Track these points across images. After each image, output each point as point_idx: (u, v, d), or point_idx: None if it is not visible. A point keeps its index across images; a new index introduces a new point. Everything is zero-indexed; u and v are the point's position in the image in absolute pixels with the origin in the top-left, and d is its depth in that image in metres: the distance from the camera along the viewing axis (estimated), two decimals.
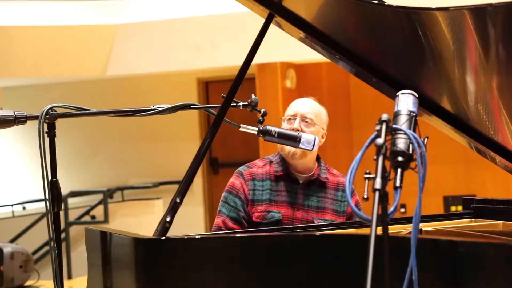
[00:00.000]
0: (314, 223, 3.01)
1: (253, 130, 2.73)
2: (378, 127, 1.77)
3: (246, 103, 2.67)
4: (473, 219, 2.96)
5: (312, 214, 3.06)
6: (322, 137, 3.12)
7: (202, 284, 2.27)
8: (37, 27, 8.03)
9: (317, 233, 2.50)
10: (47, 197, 2.45)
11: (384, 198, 1.69)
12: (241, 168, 3.14)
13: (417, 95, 1.97)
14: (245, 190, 3.07)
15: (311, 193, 3.09)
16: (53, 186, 2.46)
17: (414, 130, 1.87)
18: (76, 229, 8.23)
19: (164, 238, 2.30)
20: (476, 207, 2.97)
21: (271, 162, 3.13)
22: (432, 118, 2.68)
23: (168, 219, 2.33)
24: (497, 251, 1.94)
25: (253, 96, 2.67)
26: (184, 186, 2.42)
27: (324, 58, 2.86)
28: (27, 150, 9.81)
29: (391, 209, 1.73)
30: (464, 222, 2.93)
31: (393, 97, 2.01)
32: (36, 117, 2.46)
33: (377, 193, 1.69)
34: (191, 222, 8.64)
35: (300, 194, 3.08)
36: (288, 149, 3.04)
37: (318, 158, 3.15)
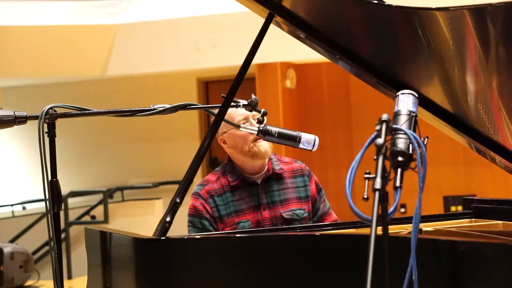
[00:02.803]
0: (283, 217, 3.01)
1: (253, 130, 2.73)
2: (378, 127, 1.77)
3: (246, 103, 2.66)
4: (473, 219, 2.96)
5: (278, 209, 3.04)
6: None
7: (202, 284, 2.27)
8: (37, 27, 8.04)
9: (317, 233, 2.50)
10: (47, 197, 2.45)
11: (384, 198, 1.69)
12: (196, 189, 3.08)
13: (417, 95, 1.97)
14: (207, 209, 3.02)
15: (271, 189, 3.08)
16: (53, 186, 2.46)
17: (414, 130, 1.87)
18: (76, 229, 8.24)
19: (164, 238, 2.30)
20: (476, 207, 2.97)
21: (224, 173, 3.10)
22: (432, 118, 2.68)
23: (168, 219, 2.33)
24: (497, 251, 1.94)
25: (253, 96, 2.67)
26: (184, 186, 2.41)
27: (324, 58, 2.85)
28: (27, 150, 9.81)
29: (391, 209, 1.72)
30: (464, 222, 2.93)
31: (393, 97, 2.01)
32: (36, 117, 2.46)
33: (377, 193, 1.69)
34: None
35: (262, 194, 3.06)
36: (264, 149, 3.01)
37: None
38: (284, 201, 3.08)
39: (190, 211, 3.05)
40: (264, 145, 3.02)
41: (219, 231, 3.00)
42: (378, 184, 1.69)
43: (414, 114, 1.91)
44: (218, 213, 3.02)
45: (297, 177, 3.13)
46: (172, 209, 2.36)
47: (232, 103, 2.60)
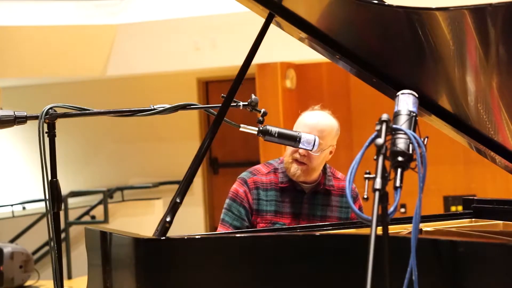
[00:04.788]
0: None
1: (253, 130, 2.72)
2: (378, 127, 1.77)
3: (246, 103, 2.66)
4: (473, 219, 2.96)
5: (316, 224, 3.04)
6: (330, 152, 3.07)
7: (202, 284, 2.27)
8: (37, 27, 8.03)
9: (317, 233, 2.50)
10: (47, 197, 2.45)
11: (384, 198, 1.69)
12: (244, 175, 3.08)
13: (417, 95, 1.97)
14: (249, 199, 3.02)
15: (316, 202, 3.07)
16: (53, 186, 2.46)
17: (414, 130, 1.87)
18: (76, 229, 8.23)
19: (164, 238, 2.30)
20: (476, 207, 2.97)
21: (275, 170, 3.08)
22: (432, 118, 2.68)
23: (168, 219, 2.33)
24: (497, 251, 1.95)
25: (253, 96, 2.67)
26: (184, 186, 2.41)
27: (324, 58, 2.86)
28: (27, 150, 9.81)
29: (391, 209, 1.72)
30: (464, 222, 2.93)
31: (393, 97, 2.01)
32: (36, 117, 2.46)
33: (377, 193, 1.69)
34: (191, 222, 8.64)
35: (305, 204, 3.05)
36: (293, 171, 3.01)
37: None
38: (324, 217, 3.07)
39: (232, 194, 3.05)
40: (296, 170, 3.00)
41: (253, 223, 3.01)
42: (378, 184, 1.69)
43: (414, 114, 1.91)
44: (257, 206, 3.02)
45: (344, 196, 3.10)
46: (172, 209, 2.36)
47: (232, 103, 2.60)
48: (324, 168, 3.12)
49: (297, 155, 3.01)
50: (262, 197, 3.03)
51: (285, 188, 3.05)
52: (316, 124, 3.03)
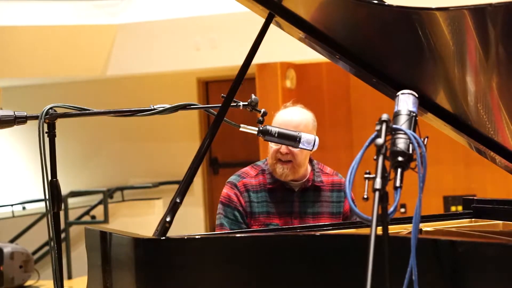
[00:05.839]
0: None
1: (253, 130, 2.72)
2: (378, 127, 1.77)
3: (246, 103, 2.66)
4: (473, 219, 2.96)
5: (309, 221, 3.04)
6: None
7: (202, 284, 2.27)
8: (37, 27, 8.03)
9: (317, 233, 2.50)
10: (47, 197, 2.45)
11: (384, 198, 1.69)
12: (233, 179, 3.08)
13: (417, 95, 1.97)
14: (241, 202, 3.02)
15: (306, 199, 3.07)
16: (53, 186, 2.46)
17: (414, 130, 1.87)
18: (76, 229, 8.23)
19: (164, 238, 2.30)
20: (476, 207, 2.97)
21: (263, 171, 3.08)
22: (432, 118, 2.68)
23: (168, 219, 2.33)
24: (497, 251, 1.94)
25: (253, 96, 2.67)
26: (184, 186, 2.41)
27: (324, 58, 2.85)
28: (27, 150, 9.81)
29: (391, 209, 1.72)
30: (464, 222, 2.93)
31: (393, 97, 2.01)
32: (36, 117, 2.46)
33: (377, 193, 1.69)
34: (191, 222, 8.64)
35: (296, 202, 3.06)
36: (280, 172, 3.01)
37: (310, 160, 3.12)
38: (316, 214, 3.06)
39: (224, 199, 3.05)
40: (282, 170, 3.00)
41: (248, 226, 3.01)
42: (378, 184, 1.69)
43: (414, 114, 1.91)
44: (250, 209, 3.02)
45: (334, 191, 3.11)
46: (172, 209, 2.36)
47: (232, 103, 2.60)
48: (312, 164, 3.12)
49: (279, 155, 3.02)
50: (253, 199, 3.03)
51: (274, 189, 3.05)
52: (290, 120, 3.04)
